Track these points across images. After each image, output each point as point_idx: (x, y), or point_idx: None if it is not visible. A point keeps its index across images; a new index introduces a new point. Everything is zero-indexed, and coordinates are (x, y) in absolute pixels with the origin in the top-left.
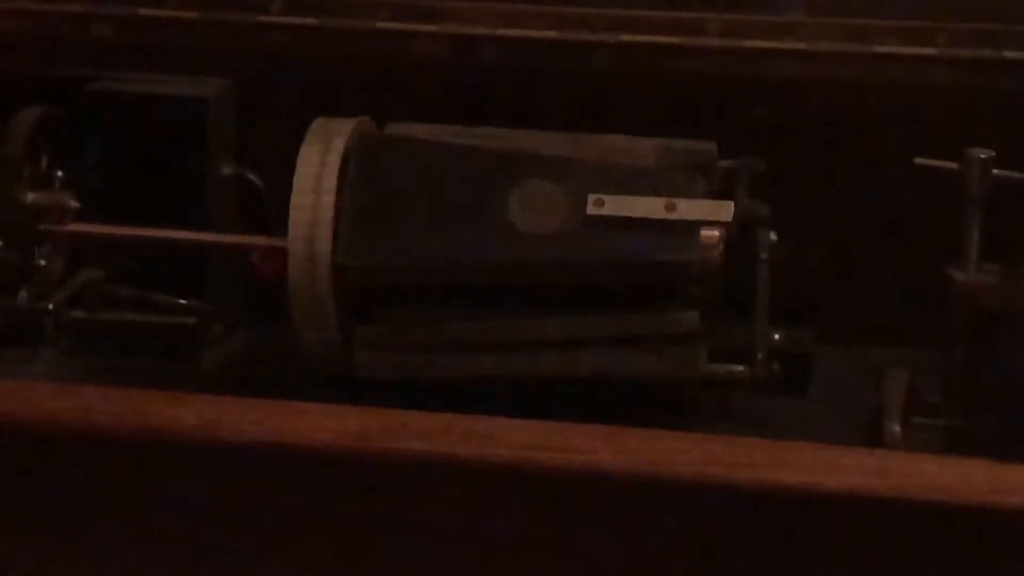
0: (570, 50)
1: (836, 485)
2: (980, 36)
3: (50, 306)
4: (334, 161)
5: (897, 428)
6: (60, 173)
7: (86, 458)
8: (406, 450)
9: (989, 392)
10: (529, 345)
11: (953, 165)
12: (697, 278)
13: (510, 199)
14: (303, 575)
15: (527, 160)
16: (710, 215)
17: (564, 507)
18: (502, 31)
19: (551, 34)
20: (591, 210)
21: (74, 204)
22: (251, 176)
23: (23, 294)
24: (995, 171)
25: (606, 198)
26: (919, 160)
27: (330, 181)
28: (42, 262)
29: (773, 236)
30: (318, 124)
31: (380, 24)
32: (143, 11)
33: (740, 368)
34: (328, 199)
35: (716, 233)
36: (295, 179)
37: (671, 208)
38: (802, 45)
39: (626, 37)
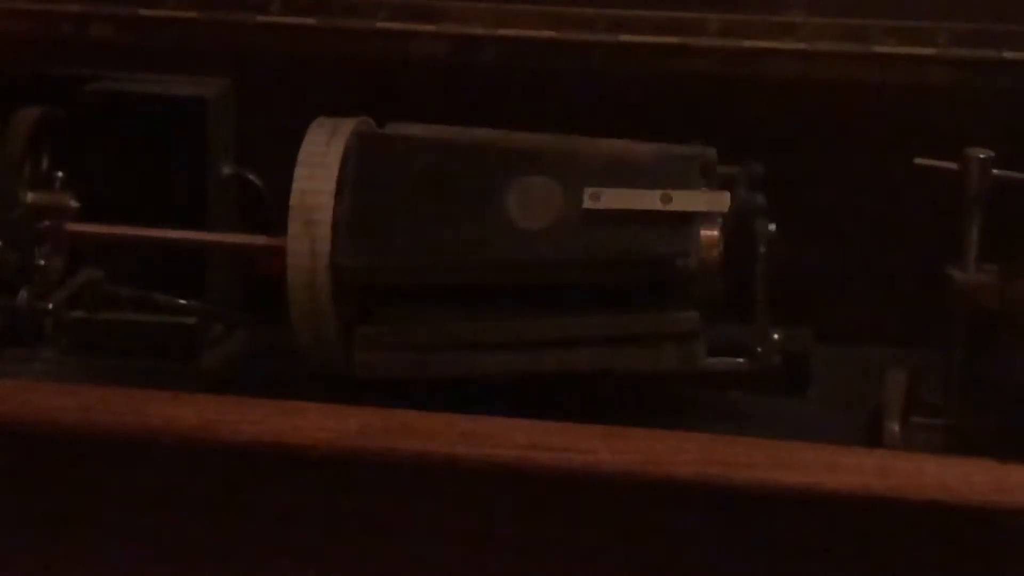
0: (570, 50)
1: (836, 485)
2: (980, 36)
3: (50, 306)
4: (334, 161)
5: (897, 428)
6: (60, 173)
7: (86, 458)
8: (406, 450)
9: (988, 392)
10: (529, 344)
11: (953, 165)
12: (696, 275)
13: (508, 196)
14: (303, 575)
15: (524, 156)
16: (707, 206)
17: (564, 507)
18: (502, 31)
19: (551, 34)
20: (588, 204)
21: (74, 204)
22: (251, 176)
23: (23, 294)
24: (994, 171)
25: (603, 192)
26: (919, 160)
27: (329, 181)
28: (42, 262)
29: (772, 227)
30: (318, 124)
31: (380, 24)
32: (143, 11)
33: (740, 361)
34: (327, 199)
35: (716, 233)
36: (295, 179)
37: (667, 200)
38: (802, 45)
39: (625, 37)
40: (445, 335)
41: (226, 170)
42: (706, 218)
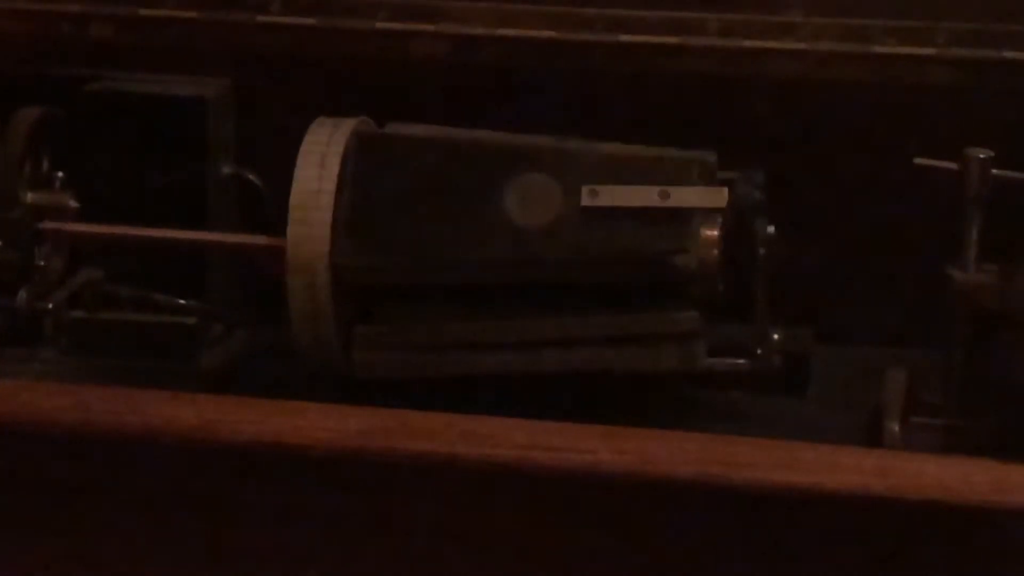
0: (570, 50)
1: (836, 485)
2: (980, 36)
3: (50, 306)
4: (334, 161)
5: (896, 428)
6: (60, 173)
7: (86, 458)
8: (406, 450)
9: (988, 392)
10: (528, 344)
11: (952, 165)
12: (696, 274)
13: (507, 194)
14: (303, 575)
15: (523, 155)
16: (705, 202)
17: (564, 507)
18: (502, 31)
19: (551, 34)
20: (586, 200)
21: (74, 204)
22: (251, 176)
23: (23, 294)
24: (994, 171)
25: (600, 188)
26: (919, 160)
27: (329, 181)
28: (42, 262)
29: (771, 229)
30: (318, 124)
31: (380, 24)
32: (143, 11)
33: (740, 362)
34: (327, 199)
35: (715, 232)
36: (295, 179)
37: (665, 196)
38: (801, 45)
39: (625, 37)
40: (445, 335)
41: (226, 170)
42: (706, 218)
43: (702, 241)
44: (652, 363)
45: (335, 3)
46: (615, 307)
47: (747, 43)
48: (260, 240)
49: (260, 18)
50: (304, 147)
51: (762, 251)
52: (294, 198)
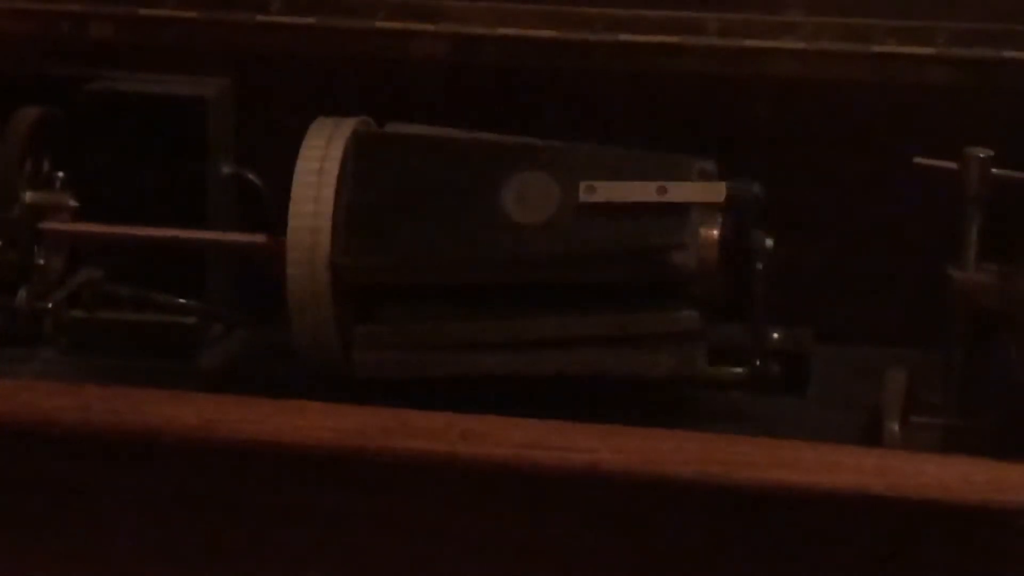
0: (570, 50)
1: (836, 485)
2: (980, 36)
3: (49, 305)
4: (334, 161)
5: (896, 427)
6: (60, 173)
7: (86, 458)
8: (406, 449)
9: (988, 391)
10: (528, 344)
11: (952, 165)
12: (695, 273)
13: (506, 191)
14: (303, 574)
15: (521, 153)
16: (702, 197)
17: (564, 507)
18: (502, 31)
19: (551, 34)
20: (583, 197)
21: (73, 204)
22: (251, 176)
23: (22, 293)
24: (994, 170)
25: (598, 184)
26: (918, 160)
27: (330, 181)
28: (41, 261)
29: (769, 242)
30: (318, 124)
31: (379, 24)
32: (142, 11)
33: (739, 371)
34: (327, 199)
35: (715, 232)
36: (295, 179)
37: (663, 191)
38: (801, 45)
39: (625, 37)
40: (445, 335)
41: (226, 170)
42: (705, 217)
43: (701, 239)
44: (651, 367)
45: (335, 3)
46: (615, 307)
47: (747, 43)
48: (260, 240)
49: (260, 18)
50: (304, 147)
51: (759, 266)
52: (294, 198)
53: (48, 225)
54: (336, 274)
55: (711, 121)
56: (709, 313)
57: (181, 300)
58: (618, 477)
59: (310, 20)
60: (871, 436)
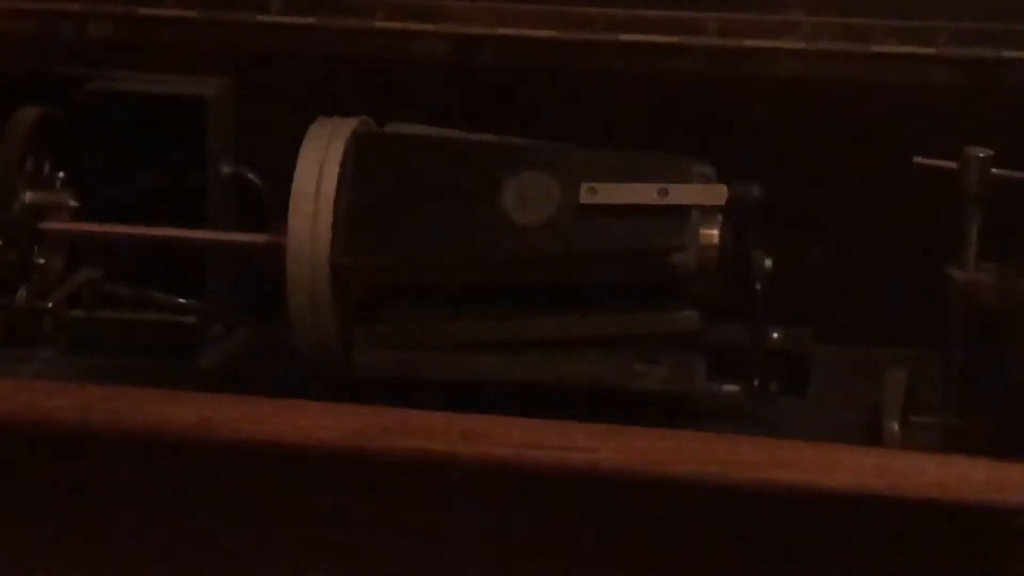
0: (570, 50)
1: (836, 484)
2: (980, 36)
3: (49, 305)
4: (334, 161)
5: (896, 427)
6: (60, 173)
7: (85, 457)
8: (406, 449)
9: (988, 391)
10: (528, 345)
11: (952, 165)
12: (695, 273)
13: (506, 192)
14: (303, 574)
15: (521, 153)
16: (703, 199)
17: (564, 507)
18: (502, 31)
19: (551, 34)
20: (584, 198)
21: (73, 204)
22: (251, 176)
23: (22, 293)
24: (994, 170)
25: (599, 186)
26: (918, 159)
27: (330, 181)
28: (41, 261)
29: (768, 263)
30: (318, 124)
31: (379, 23)
32: (142, 10)
33: (737, 389)
34: (327, 198)
35: (715, 232)
36: (295, 178)
37: (664, 194)
38: (801, 44)
39: (625, 37)
40: (445, 335)
41: (226, 170)
42: (705, 218)
43: (701, 240)
44: (651, 376)
45: (335, 2)
46: (615, 307)
47: (747, 43)
48: (260, 240)
49: (260, 18)
50: (304, 147)
51: (758, 286)
52: (294, 198)
53: (48, 225)
54: (336, 274)
55: (711, 121)
56: (709, 314)
57: (181, 300)
58: (618, 477)
59: (310, 20)
60: (871, 436)
